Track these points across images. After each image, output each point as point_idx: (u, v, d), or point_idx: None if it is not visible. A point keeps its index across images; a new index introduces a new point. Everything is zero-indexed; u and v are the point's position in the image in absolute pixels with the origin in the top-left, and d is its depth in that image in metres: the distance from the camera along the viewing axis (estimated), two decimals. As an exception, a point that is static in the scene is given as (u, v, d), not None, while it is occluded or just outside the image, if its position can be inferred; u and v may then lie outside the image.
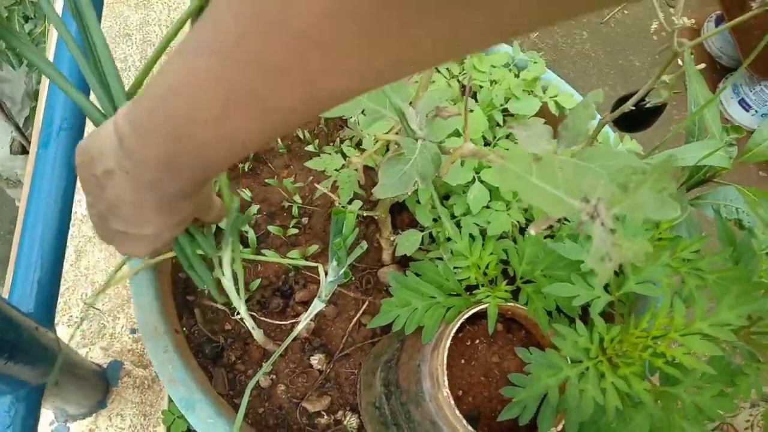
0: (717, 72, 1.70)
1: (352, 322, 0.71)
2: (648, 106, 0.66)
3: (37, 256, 0.62)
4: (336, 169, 0.66)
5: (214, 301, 0.68)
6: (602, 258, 0.26)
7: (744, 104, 1.56)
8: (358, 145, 0.74)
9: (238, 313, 0.64)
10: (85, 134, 0.89)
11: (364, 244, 0.60)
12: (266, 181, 0.74)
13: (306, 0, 0.23)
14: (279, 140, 0.76)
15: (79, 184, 0.42)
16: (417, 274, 0.55)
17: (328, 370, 0.68)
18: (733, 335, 0.41)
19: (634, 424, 0.43)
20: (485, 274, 0.53)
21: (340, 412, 0.66)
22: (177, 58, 0.30)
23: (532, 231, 0.28)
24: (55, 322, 0.91)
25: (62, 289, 0.89)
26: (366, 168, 0.76)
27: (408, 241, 0.67)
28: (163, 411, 0.79)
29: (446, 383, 0.46)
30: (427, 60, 0.26)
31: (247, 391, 0.56)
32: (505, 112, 0.73)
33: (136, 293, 0.62)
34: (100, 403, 0.85)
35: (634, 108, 0.66)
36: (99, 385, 0.84)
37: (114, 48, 1.09)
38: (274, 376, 0.67)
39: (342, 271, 0.55)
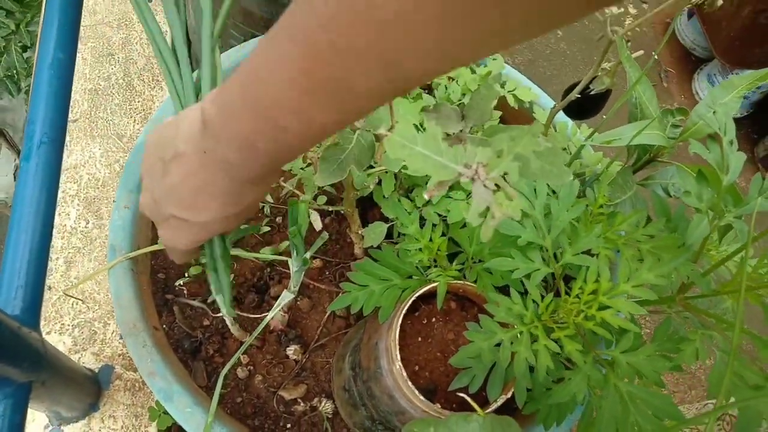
0: (692, 63, 1.73)
1: (326, 314, 0.74)
2: (593, 92, 0.70)
3: (21, 263, 0.66)
4: (301, 168, 0.69)
5: (192, 299, 0.72)
6: (481, 214, 0.29)
7: (719, 93, 1.59)
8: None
9: (217, 310, 0.68)
10: (65, 147, 0.92)
11: (325, 235, 0.64)
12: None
13: None
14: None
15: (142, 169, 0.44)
16: (375, 260, 0.59)
17: (304, 360, 0.71)
18: (653, 294, 0.44)
19: (572, 384, 0.46)
20: (436, 258, 0.56)
21: (316, 399, 0.69)
22: (266, 44, 0.31)
23: (426, 196, 0.31)
24: (48, 330, 0.94)
25: (54, 298, 0.93)
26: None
27: (374, 233, 0.70)
28: (149, 408, 0.82)
29: (398, 357, 0.49)
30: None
31: (220, 379, 0.59)
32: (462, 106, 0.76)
33: (115, 293, 0.65)
34: (93, 406, 0.88)
35: (580, 96, 0.70)
36: (91, 388, 0.87)
37: (98, 67, 1.13)
38: (252, 368, 0.70)
39: (302, 259, 0.58)
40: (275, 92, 0.31)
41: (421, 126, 0.72)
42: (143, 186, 0.44)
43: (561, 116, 0.84)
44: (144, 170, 0.43)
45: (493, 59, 0.86)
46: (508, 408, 0.52)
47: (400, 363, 0.49)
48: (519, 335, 0.44)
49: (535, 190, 0.51)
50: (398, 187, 0.72)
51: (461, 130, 0.38)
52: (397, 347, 0.50)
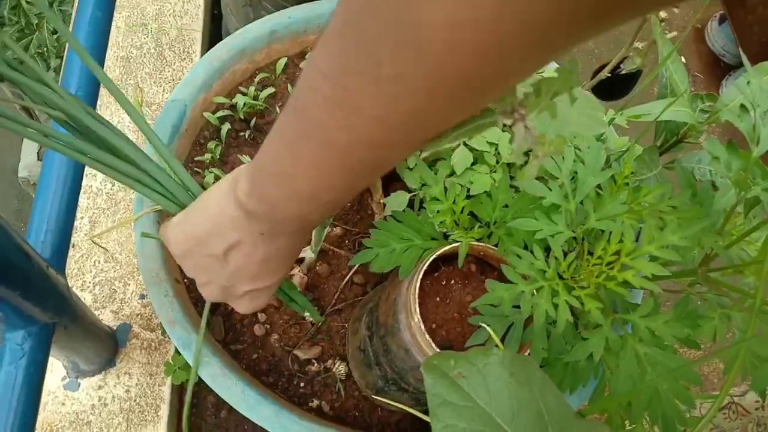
0: (720, 69, 1.72)
1: (344, 281, 0.75)
2: (623, 72, 0.70)
3: (51, 208, 0.67)
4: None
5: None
6: (525, 152, 0.30)
7: (747, 100, 1.58)
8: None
9: None
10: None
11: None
12: (256, 140, 0.78)
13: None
14: (278, 110, 0.81)
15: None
16: (398, 221, 0.59)
17: (320, 323, 0.72)
18: (677, 255, 0.44)
19: (590, 343, 0.46)
20: (459, 220, 0.57)
21: (330, 361, 0.70)
22: (286, 145, 0.33)
23: (424, 153, 0.32)
24: (71, 286, 0.96)
25: (77, 255, 0.95)
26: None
27: (396, 201, 0.71)
28: (165, 362, 0.83)
29: (417, 311, 0.50)
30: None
31: (206, 311, 0.60)
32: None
33: (140, 243, 0.67)
34: (110, 361, 0.89)
35: (610, 75, 0.70)
36: (109, 344, 0.89)
37: (131, 36, 1.15)
38: (268, 326, 0.71)
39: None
40: (312, 186, 0.34)
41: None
42: (201, 282, 0.47)
43: (588, 101, 0.84)
44: (193, 270, 0.46)
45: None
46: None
47: (419, 316, 0.50)
48: (539, 289, 0.45)
49: (563, 155, 0.51)
50: (422, 159, 0.73)
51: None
52: (417, 301, 0.50)
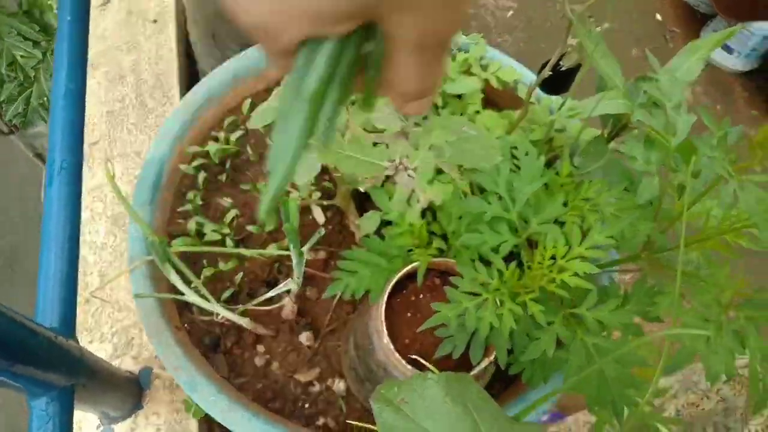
0: (697, 21, 1.71)
1: (335, 301, 0.79)
2: (564, 68, 0.73)
3: (53, 280, 0.73)
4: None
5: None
6: (407, 200, 0.33)
7: (726, 48, 1.57)
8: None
9: (217, 314, 0.73)
10: (89, 169, 0.99)
11: (322, 230, 0.69)
12: (242, 187, 0.83)
13: None
14: (249, 149, 0.85)
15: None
16: (363, 247, 0.63)
17: (317, 345, 0.76)
18: (603, 253, 0.48)
19: (542, 342, 0.50)
20: (418, 238, 0.60)
21: (330, 380, 0.74)
22: None
23: (361, 188, 0.35)
24: (90, 339, 1.02)
25: (92, 309, 1.01)
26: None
27: (369, 222, 0.75)
28: (184, 400, 0.89)
29: (385, 332, 0.54)
30: None
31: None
32: (444, 93, 0.80)
33: (138, 303, 0.72)
34: (137, 405, 0.95)
35: (552, 72, 0.73)
36: (134, 389, 0.95)
37: (112, 90, 1.21)
38: (268, 356, 0.76)
39: (298, 251, 0.63)
40: None
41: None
42: None
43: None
44: None
45: (476, 44, 0.89)
46: (505, 375, 0.56)
47: (387, 338, 0.54)
48: (484, 302, 0.49)
49: (498, 168, 0.54)
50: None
51: (403, 127, 0.42)
52: (383, 323, 0.54)
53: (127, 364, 0.99)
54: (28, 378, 0.64)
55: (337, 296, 0.79)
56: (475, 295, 0.49)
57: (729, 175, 0.43)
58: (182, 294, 0.70)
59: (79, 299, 1.03)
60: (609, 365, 0.47)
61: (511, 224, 0.54)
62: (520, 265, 0.52)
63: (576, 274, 0.47)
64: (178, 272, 0.71)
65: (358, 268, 0.61)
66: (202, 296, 0.71)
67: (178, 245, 0.74)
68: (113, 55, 1.26)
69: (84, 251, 1.08)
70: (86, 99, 1.20)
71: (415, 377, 0.39)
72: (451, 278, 0.52)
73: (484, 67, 0.86)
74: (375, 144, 0.35)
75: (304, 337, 0.76)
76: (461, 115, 0.82)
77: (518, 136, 0.66)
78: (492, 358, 0.55)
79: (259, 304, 0.77)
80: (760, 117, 1.55)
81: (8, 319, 0.57)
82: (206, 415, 0.98)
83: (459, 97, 0.83)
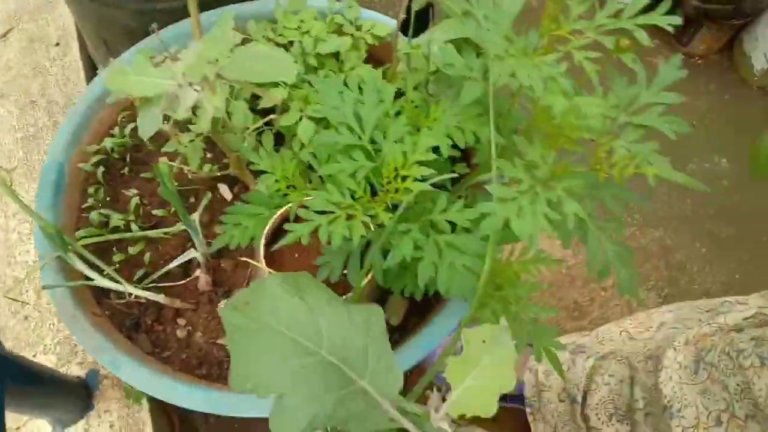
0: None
1: (250, 269, 0.83)
2: (416, 9, 0.77)
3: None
4: (184, 145, 0.78)
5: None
6: (192, 109, 0.37)
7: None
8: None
9: (131, 295, 0.76)
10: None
11: (208, 194, 0.72)
12: (145, 177, 0.86)
13: None
14: (147, 141, 0.88)
15: None
16: (246, 202, 0.67)
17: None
18: (433, 155, 0.52)
19: (401, 247, 0.54)
20: (293, 182, 0.64)
21: (251, 340, 0.78)
22: None
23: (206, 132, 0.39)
24: (33, 353, 1.04)
25: (32, 325, 1.03)
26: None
27: (263, 183, 0.78)
28: (124, 388, 0.92)
29: (266, 270, 0.58)
30: None
31: None
32: (319, 55, 0.84)
33: (51, 293, 0.75)
34: (88, 406, 0.98)
35: (406, 15, 0.77)
36: (82, 392, 0.97)
37: (24, 116, 1.22)
38: (190, 328, 0.79)
39: (184, 217, 0.67)
40: None
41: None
42: None
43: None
44: None
45: (350, 7, 0.93)
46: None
47: (267, 273, 0.58)
48: (336, 219, 0.53)
49: (343, 100, 0.58)
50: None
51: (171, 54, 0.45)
52: (263, 262, 0.58)
53: (73, 370, 1.01)
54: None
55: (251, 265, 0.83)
56: (330, 213, 0.53)
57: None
58: (91, 279, 0.73)
59: (19, 317, 1.05)
60: (458, 257, 0.52)
61: (366, 150, 0.58)
62: (372, 186, 0.56)
63: (416, 180, 0.52)
64: (86, 261, 0.74)
65: (242, 220, 0.65)
66: (113, 280, 0.74)
67: (82, 235, 0.77)
68: (20, 83, 1.28)
69: (17, 272, 1.10)
70: (0, 133, 1.22)
71: (255, 282, 0.43)
72: (304, 201, 0.56)
73: (359, 27, 0.91)
74: (156, 65, 0.38)
75: (223, 305, 0.80)
76: (340, 72, 0.86)
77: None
78: (369, 276, 0.59)
79: (174, 281, 0.81)
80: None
81: None
82: (156, 402, 1.01)
83: (336, 58, 0.88)
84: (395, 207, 0.54)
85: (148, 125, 0.51)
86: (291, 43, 0.85)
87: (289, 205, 0.61)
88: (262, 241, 0.59)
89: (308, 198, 0.61)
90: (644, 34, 0.46)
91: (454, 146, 0.57)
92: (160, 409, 1.05)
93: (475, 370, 0.43)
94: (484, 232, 0.45)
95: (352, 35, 0.88)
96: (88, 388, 0.99)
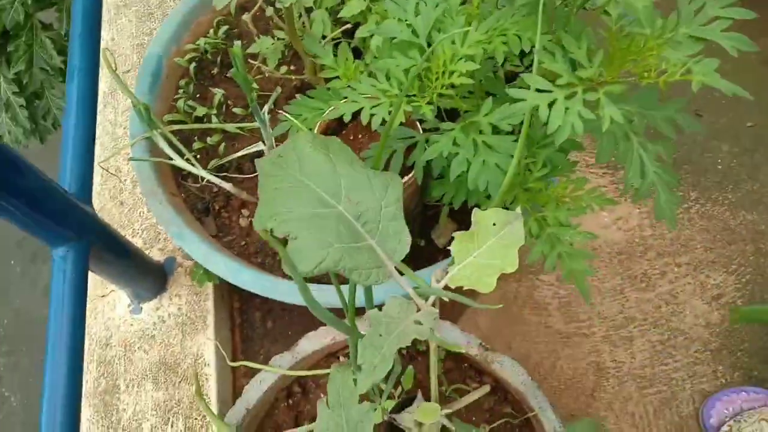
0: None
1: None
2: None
3: (73, 150, 0.85)
4: (266, 47, 0.83)
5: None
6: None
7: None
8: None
9: (203, 179, 0.83)
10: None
11: (279, 89, 0.77)
12: (229, 77, 0.93)
13: None
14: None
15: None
16: (311, 97, 0.71)
17: (295, 210, 0.85)
18: (481, 48, 0.53)
19: (440, 144, 0.56)
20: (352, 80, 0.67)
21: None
22: None
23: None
24: (124, 234, 1.16)
25: (125, 210, 1.15)
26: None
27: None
28: (192, 266, 1.01)
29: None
30: None
31: None
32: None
33: (137, 167, 0.83)
34: (162, 287, 1.09)
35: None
36: (159, 274, 1.08)
37: (141, 25, 1.34)
38: (251, 219, 0.85)
39: (252, 102, 0.72)
40: None
41: None
42: None
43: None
44: None
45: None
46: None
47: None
48: (380, 104, 0.55)
49: (407, -1, 0.60)
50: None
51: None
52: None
53: (155, 254, 1.12)
54: (47, 228, 0.76)
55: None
56: (375, 99, 0.56)
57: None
58: (171, 159, 0.81)
59: (116, 201, 1.17)
60: (490, 155, 0.52)
61: (422, 49, 0.59)
62: (423, 83, 0.58)
63: (461, 75, 0.53)
64: (170, 143, 0.82)
65: (303, 111, 0.69)
66: (190, 163, 0.82)
67: (168, 118, 0.85)
68: (142, -3, 1.39)
69: (119, 162, 1.22)
70: (118, 38, 1.34)
71: (292, 137, 0.46)
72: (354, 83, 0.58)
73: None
74: None
75: (284, 203, 0.85)
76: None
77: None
78: (411, 175, 0.61)
79: (245, 174, 0.87)
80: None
81: (34, 175, 0.69)
82: (221, 295, 1.10)
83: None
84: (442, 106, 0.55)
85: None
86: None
87: (345, 99, 0.64)
88: (315, 130, 0.63)
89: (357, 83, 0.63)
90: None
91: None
92: (225, 303, 1.15)
93: (481, 249, 0.45)
94: (513, 121, 0.46)
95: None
96: (164, 272, 1.10)
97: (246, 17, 0.83)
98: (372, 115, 0.54)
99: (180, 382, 1.01)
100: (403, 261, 0.45)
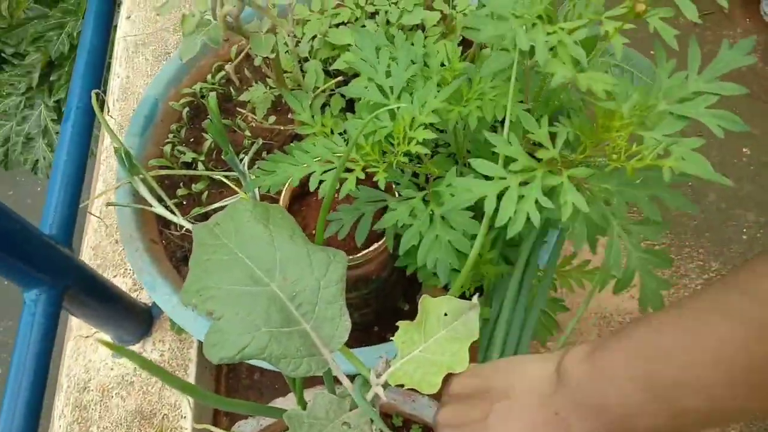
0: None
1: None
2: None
3: (58, 193, 0.84)
4: (257, 96, 0.81)
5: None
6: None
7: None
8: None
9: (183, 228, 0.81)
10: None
11: (260, 140, 0.74)
12: (223, 122, 0.91)
13: None
14: (233, 90, 0.93)
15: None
16: (286, 153, 0.68)
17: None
18: (438, 117, 0.49)
19: (397, 213, 0.52)
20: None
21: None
22: (684, 317, 0.30)
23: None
24: (114, 274, 1.14)
25: (119, 248, 1.14)
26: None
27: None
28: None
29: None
30: None
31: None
32: (402, 26, 0.83)
33: (119, 210, 0.82)
34: (147, 331, 1.06)
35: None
36: (145, 318, 1.05)
37: (158, 65, 1.35)
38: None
39: (229, 155, 0.69)
40: (682, 373, 0.29)
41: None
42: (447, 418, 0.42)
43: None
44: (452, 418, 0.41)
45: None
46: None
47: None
48: (331, 169, 0.51)
49: (377, 53, 0.57)
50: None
51: None
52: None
53: (143, 297, 1.10)
54: (18, 271, 0.74)
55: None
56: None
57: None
58: (151, 206, 0.78)
59: (111, 239, 1.16)
60: (447, 231, 0.48)
61: (392, 112, 0.56)
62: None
63: (419, 143, 0.49)
64: (151, 190, 0.80)
65: (276, 168, 0.66)
66: (170, 210, 0.79)
67: (153, 164, 0.83)
68: (161, 36, 1.41)
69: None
70: (133, 76, 1.36)
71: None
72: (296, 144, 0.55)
73: (454, 6, 0.88)
74: None
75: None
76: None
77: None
78: (381, 242, 0.57)
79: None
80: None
81: (5, 216, 0.67)
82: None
83: (423, 29, 0.86)
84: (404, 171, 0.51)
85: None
86: (377, 12, 0.85)
87: (317, 159, 0.61)
88: (284, 189, 0.60)
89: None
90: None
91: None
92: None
93: (428, 342, 0.40)
94: (457, 207, 0.42)
95: (441, 11, 0.86)
96: (151, 315, 1.07)
97: (230, 68, 0.81)
98: (321, 182, 0.51)
99: (152, 434, 0.97)
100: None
